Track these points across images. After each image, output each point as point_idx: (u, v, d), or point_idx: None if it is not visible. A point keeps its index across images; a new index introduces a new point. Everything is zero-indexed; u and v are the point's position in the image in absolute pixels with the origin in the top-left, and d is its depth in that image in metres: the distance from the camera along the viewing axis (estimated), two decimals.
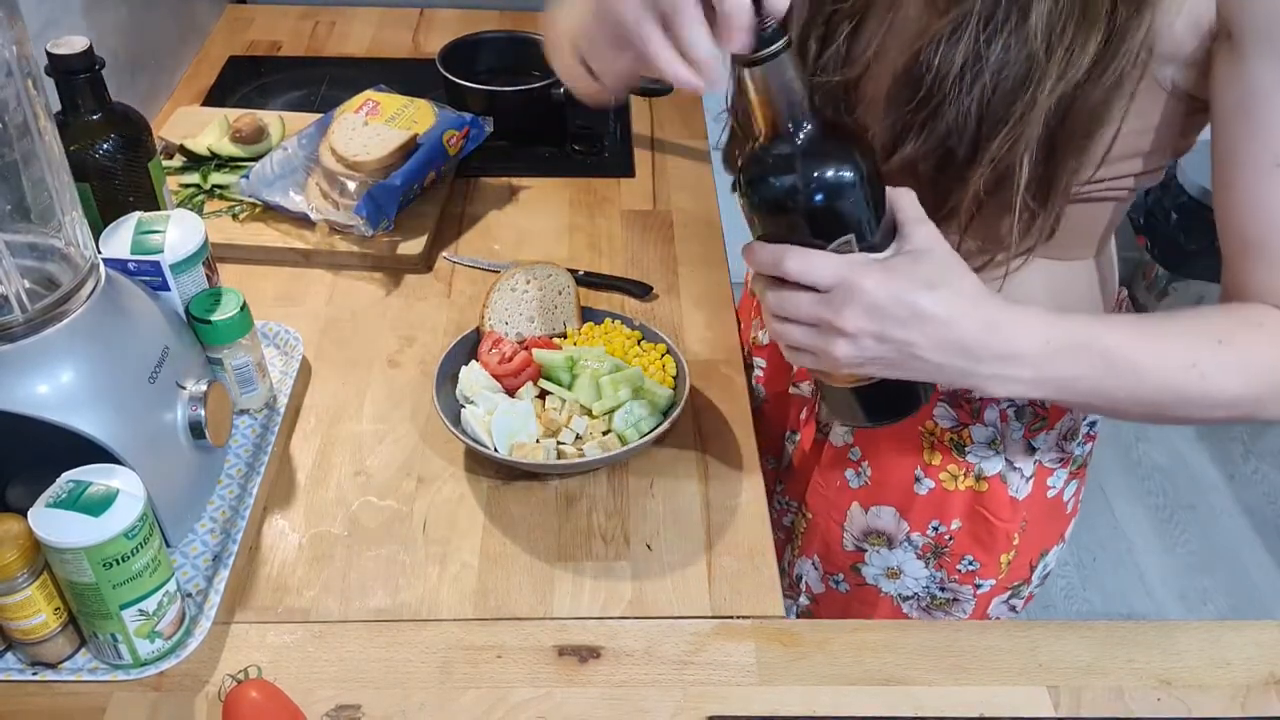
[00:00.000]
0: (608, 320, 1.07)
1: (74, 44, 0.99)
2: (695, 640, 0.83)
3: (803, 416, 1.08)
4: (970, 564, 1.00)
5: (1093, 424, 0.97)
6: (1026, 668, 0.81)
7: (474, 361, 1.01)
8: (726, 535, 0.92)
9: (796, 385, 1.05)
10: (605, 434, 0.94)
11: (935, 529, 0.99)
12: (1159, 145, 0.76)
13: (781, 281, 0.68)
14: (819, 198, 0.66)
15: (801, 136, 0.67)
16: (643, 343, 1.05)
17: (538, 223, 1.30)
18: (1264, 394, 0.71)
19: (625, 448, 0.92)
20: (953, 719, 0.78)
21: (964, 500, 0.97)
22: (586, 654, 0.82)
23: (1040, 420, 0.93)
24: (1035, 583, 1.06)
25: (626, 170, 1.40)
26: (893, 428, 0.91)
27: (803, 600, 1.13)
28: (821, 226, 0.67)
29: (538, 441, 0.93)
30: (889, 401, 0.76)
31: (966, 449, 0.95)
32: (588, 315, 1.09)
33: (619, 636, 0.83)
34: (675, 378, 1.01)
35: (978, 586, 1.02)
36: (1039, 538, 1.01)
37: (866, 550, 1.04)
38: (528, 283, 1.09)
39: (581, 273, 1.18)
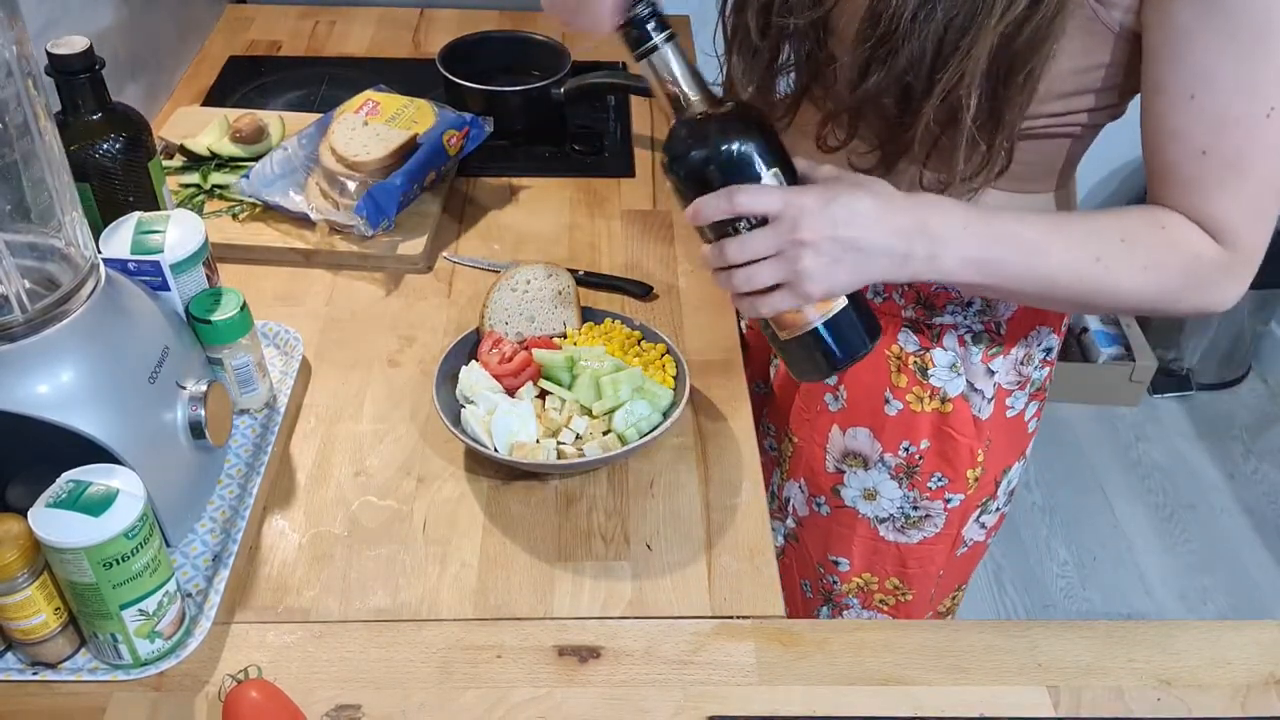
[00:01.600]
0: (608, 320, 1.07)
1: (74, 44, 0.99)
2: (695, 640, 0.83)
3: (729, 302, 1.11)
4: (939, 480, 1.04)
5: (1048, 350, 1.02)
6: (1026, 668, 0.81)
7: (474, 361, 1.01)
8: (726, 535, 0.92)
9: None
10: (605, 434, 0.94)
11: (906, 449, 1.03)
12: (1109, 84, 0.81)
13: (733, 237, 0.77)
14: (740, 142, 0.77)
15: (707, 104, 0.79)
16: (643, 343, 1.05)
17: (538, 223, 1.30)
18: (1158, 290, 0.81)
19: (625, 448, 0.92)
20: (953, 719, 0.78)
21: (930, 421, 1.02)
22: (586, 654, 0.82)
23: (996, 346, 0.98)
24: (1002, 500, 1.11)
25: (626, 170, 1.40)
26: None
27: (789, 523, 1.17)
28: (749, 168, 0.77)
29: (538, 441, 0.93)
30: (843, 338, 0.81)
31: (929, 372, 0.99)
32: (588, 315, 1.09)
33: (619, 636, 0.83)
34: (675, 378, 1.01)
35: (948, 501, 1.06)
36: (1002, 454, 1.06)
37: (845, 472, 1.08)
38: (528, 283, 1.09)
39: (581, 273, 1.18)
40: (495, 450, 0.93)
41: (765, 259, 0.77)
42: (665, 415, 0.97)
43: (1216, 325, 2.50)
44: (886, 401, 1.02)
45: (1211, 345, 2.54)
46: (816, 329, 0.80)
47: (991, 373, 0.99)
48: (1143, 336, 2.52)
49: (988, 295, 0.95)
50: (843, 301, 0.80)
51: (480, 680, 0.80)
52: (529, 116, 1.43)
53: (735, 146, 0.77)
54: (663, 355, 1.03)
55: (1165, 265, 0.80)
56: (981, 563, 2.16)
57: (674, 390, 0.99)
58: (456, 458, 0.98)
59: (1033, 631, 0.84)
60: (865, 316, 0.82)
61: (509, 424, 0.93)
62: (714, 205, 0.77)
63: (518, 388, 0.99)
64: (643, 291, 1.18)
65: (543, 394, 0.99)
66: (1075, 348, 2.60)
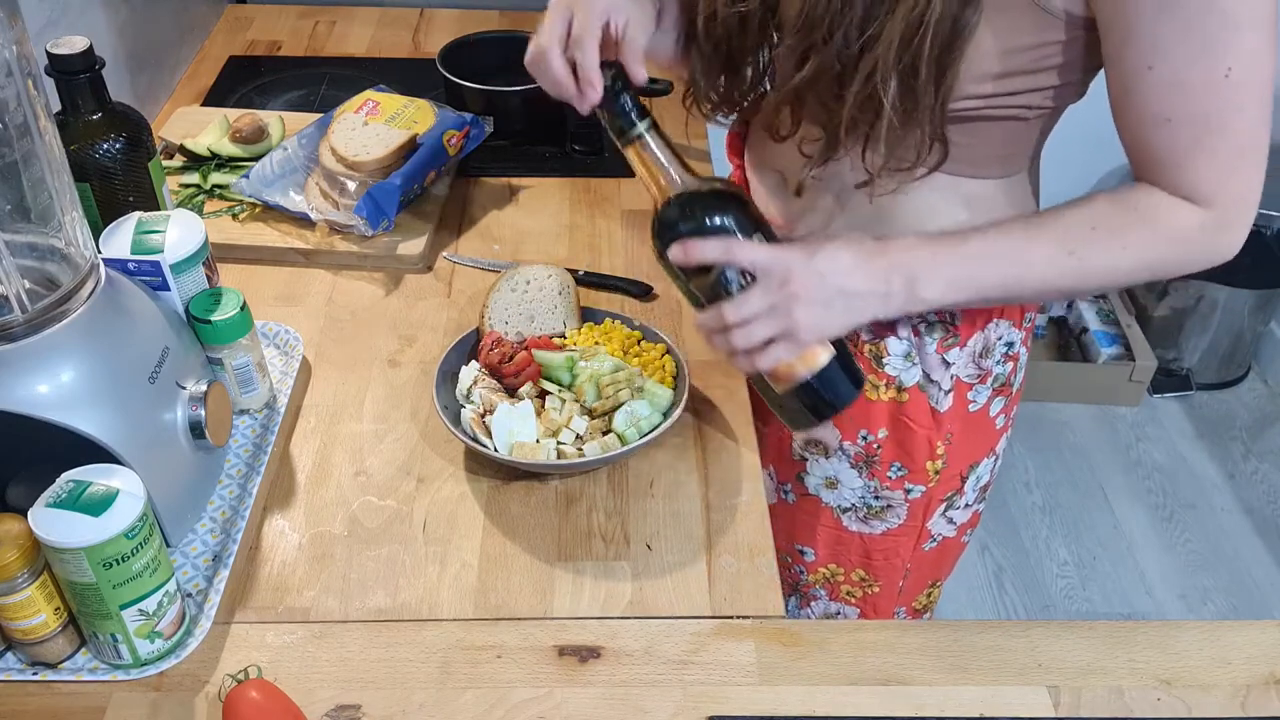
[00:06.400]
0: (608, 320, 1.07)
1: (74, 44, 0.99)
2: (695, 640, 0.83)
3: None
4: (899, 470, 1.05)
5: (1010, 345, 1.02)
6: (1026, 668, 0.81)
7: (474, 361, 1.01)
8: (726, 535, 0.92)
9: None
10: (605, 434, 0.94)
11: (864, 438, 1.05)
12: (1049, 64, 0.82)
13: (727, 299, 0.82)
14: (724, 215, 0.83)
15: (689, 184, 0.84)
16: (643, 343, 1.05)
17: (538, 223, 1.30)
18: (1144, 266, 0.83)
19: (625, 448, 0.92)
20: (953, 719, 0.78)
21: (886, 410, 1.03)
22: (586, 654, 0.82)
23: (952, 337, 0.98)
24: (972, 495, 1.11)
25: (627, 170, 1.38)
26: None
27: None
28: (735, 236, 0.83)
29: (538, 441, 0.93)
30: (832, 387, 0.85)
31: (884, 360, 1.00)
32: (588, 315, 1.09)
33: (619, 636, 0.83)
34: (675, 378, 1.01)
35: (908, 492, 1.07)
36: (967, 449, 1.06)
37: (808, 459, 1.09)
38: (528, 283, 1.09)
39: (581, 273, 1.18)
40: (495, 450, 0.93)
41: (760, 316, 0.81)
42: (665, 415, 0.97)
43: (1216, 325, 2.50)
44: None
45: (1211, 345, 2.54)
46: (808, 381, 0.85)
47: (947, 364, 0.99)
48: (1143, 336, 2.52)
49: (984, 306, 0.96)
50: (830, 353, 0.84)
51: (480, 680, 0.80)
52: (529, 116, 1.43)
53: (721, 218, 0.83)
54: (663, 355, 1.03)
55: (1144, 243, 0.82)
56: (982, 563, 2.18)
57: (674, 390, 0.99)
58: (456, 458, 0.98)
59: (1033, 631, 0.84)
60: (850, 366, 0.87)
61: (509, 424, 0.93)
62: (706, 248, 0.81)
63: (518, 388, 0.99)
64: (643, 291, 1.18)
65: (543, 394, 0.99)
66: (1075, 348, 2.60)
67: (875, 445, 1.04)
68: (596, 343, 1.04)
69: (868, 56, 0.79)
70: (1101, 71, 0.82)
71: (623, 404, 0.95)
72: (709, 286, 0.84)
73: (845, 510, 1.10)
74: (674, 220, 0.84)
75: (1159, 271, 0.85)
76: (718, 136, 1.09)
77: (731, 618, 0.85)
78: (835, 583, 1.15)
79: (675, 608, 0.86)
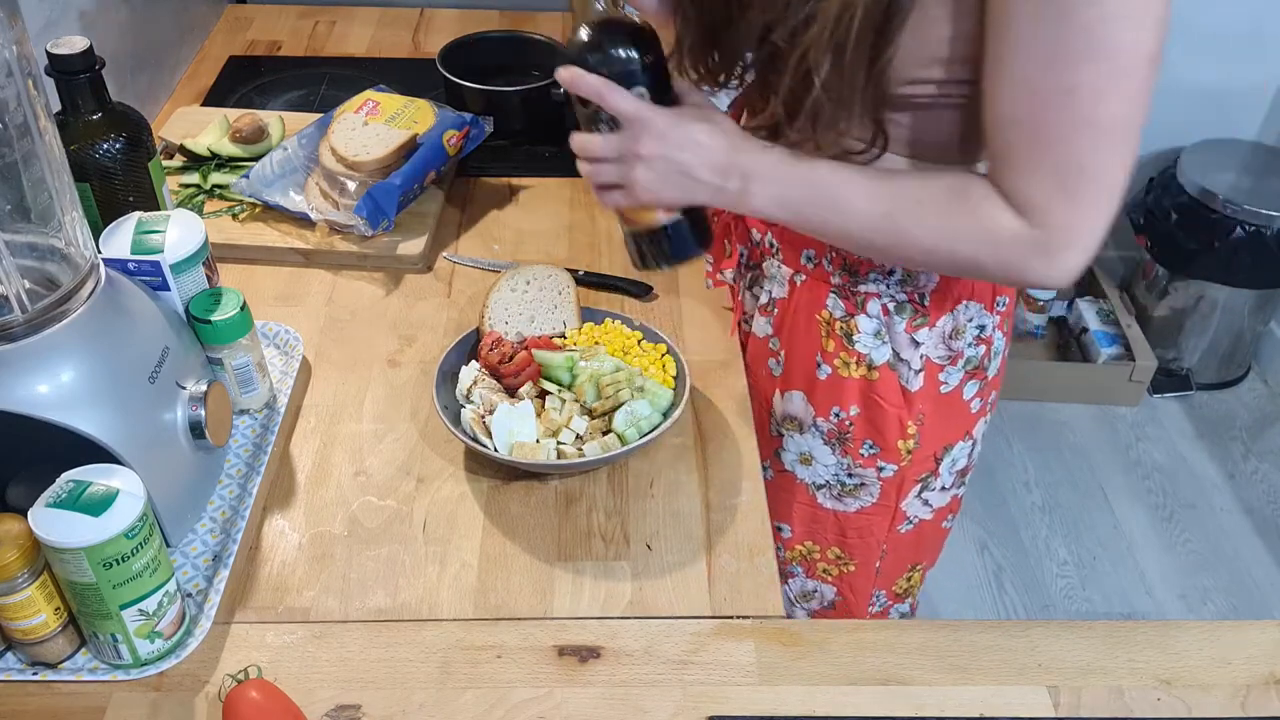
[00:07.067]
0: (608, 320, 1.07)
1: (74, 44, 0.99)
2: (695, 640, 0.83)
3: (726, 304, 1.17)
4: (871, 448, 1.06)
5: (981, 328, 1.01)
6: (1026, 668, 0.81)
7: (474, 361, 1.01)
8: (726, 535, 0.92)
9: (721, 272, 1.11)
10: (605, 434, 0.94)
11: (837, 415, 1.05)
12: (979, 53, 0.80)
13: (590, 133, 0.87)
14: (625, 50, 0.84)
15: (612, 15, 0.86)
16: (643, 343, 1.05)
17: (538, 223, 1.30)
18: (950, 255, 0.84)
19: (625, 448, 0.92)
20: (953, 719, 0.78)
21: (858, 387, 1.03)
22: (586, 654, 0.82)
23: (921, 317, 0.99)
24: (948, 478, 1.11)
25: None
26: (798, 319, 1.04)
27: None
28: (625, 76, 0.84)
29: (538, 441, 0.93)
30: (676, 242, 0.91)
31: (854, 338, 1.01)
32: (588, 315, 1.09)
33: (619, 636, 0.83)
34: (675, 378, 1.01)
35: (880, 470, 1.07)
36: (939, 431, 1.06)
37: (784, 435, 1.10)
38: (528, 283, 1.09)
39: (581, 273, 1.18)
40: (495, 450, 0.93)
41: (608, 161, 0.86)
42: (665, 415, 0.97)
43: (1216, 325, 2.50)
44: (818, 366, 1.04)
45: (1211, 345, 2.54)
46: (653, 230, 0.89)
47: (917, 344, 0.99)
48: (1143, 336, 2.52)
49: (804, 233, 0.96)
50: (674, 214, 0.88)
51: (480, 680, 0.80)
52: (529, 116, 1.43)
53: (617, 57, 0.84)
54: (663, 355, 1.03)
55: (957, 233, 0.82)
56: (981, 563, 2.18)
57: (674, 390, 0.99)
58: (456, 458, 0.98)
59: (1033, 631, 0.84)
60: (698, 227, 0.90)
61: (509, 424, 0.93)
62: (583, 81, 0.84)
63: (518, 388, 0.99)
64: (643, 291, 1.18)
65: (543, 394, 0.99)
66: (1075, 348, 2.60)
67: (847, 423, 1.05)
68: (596, 343, 1.04)
69: (807, 35, 0.79)
70: None
71: (623, 404, 0.95)
72: (586, 117, 0.87)
73: (820, 487, 1.11)
74: (574, 45, 0.85)
75: (973, 268, 0.86)
76: None
77: (731, 618, 0.85)
78: (811, 560, 1.16)
79: (675, 608, 0.86)
